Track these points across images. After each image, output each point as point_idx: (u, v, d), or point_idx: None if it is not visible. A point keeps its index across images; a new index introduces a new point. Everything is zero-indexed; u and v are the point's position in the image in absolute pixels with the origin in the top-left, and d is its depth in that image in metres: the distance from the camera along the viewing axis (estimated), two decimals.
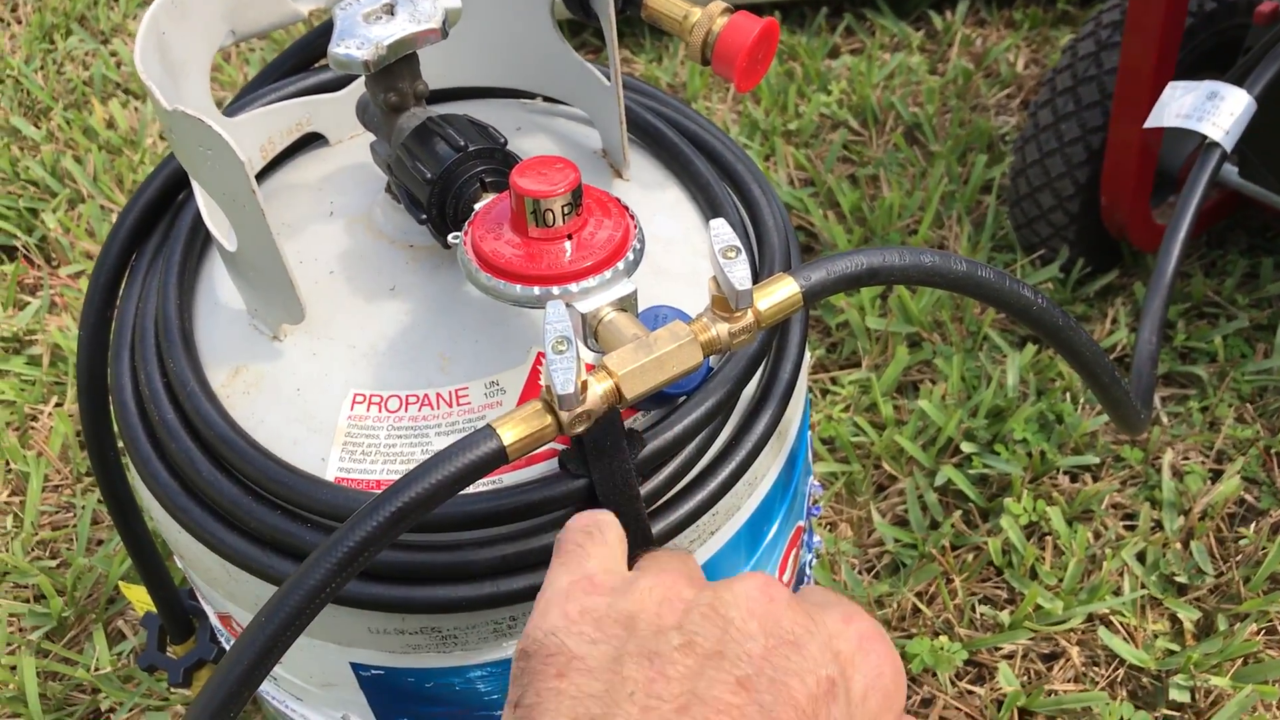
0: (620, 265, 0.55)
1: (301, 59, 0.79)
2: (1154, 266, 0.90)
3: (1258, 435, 1.12)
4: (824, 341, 1.26)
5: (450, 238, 0.60)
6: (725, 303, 0.54)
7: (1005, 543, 1.03)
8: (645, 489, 0.61)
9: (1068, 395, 1.14)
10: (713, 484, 0.64)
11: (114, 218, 1.43)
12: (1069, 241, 1.25)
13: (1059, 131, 1.19)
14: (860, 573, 1.05)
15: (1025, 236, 1.29)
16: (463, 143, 0.62)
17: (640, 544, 0.61)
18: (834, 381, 1.20)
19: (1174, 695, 0.93)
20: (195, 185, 0.65)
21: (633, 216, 0.58)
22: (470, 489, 0.52)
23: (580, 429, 0.52)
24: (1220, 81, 0.93)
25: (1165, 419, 1.14)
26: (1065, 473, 1.09)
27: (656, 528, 0.62)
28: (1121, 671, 0.96)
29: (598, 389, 0.52)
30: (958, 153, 1.43)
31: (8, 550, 1.10)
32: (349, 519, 0.48)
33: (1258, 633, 0.97)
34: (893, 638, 0.99)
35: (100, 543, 1.10)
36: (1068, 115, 1.19)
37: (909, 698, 0.96)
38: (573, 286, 0.55)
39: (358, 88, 0.77)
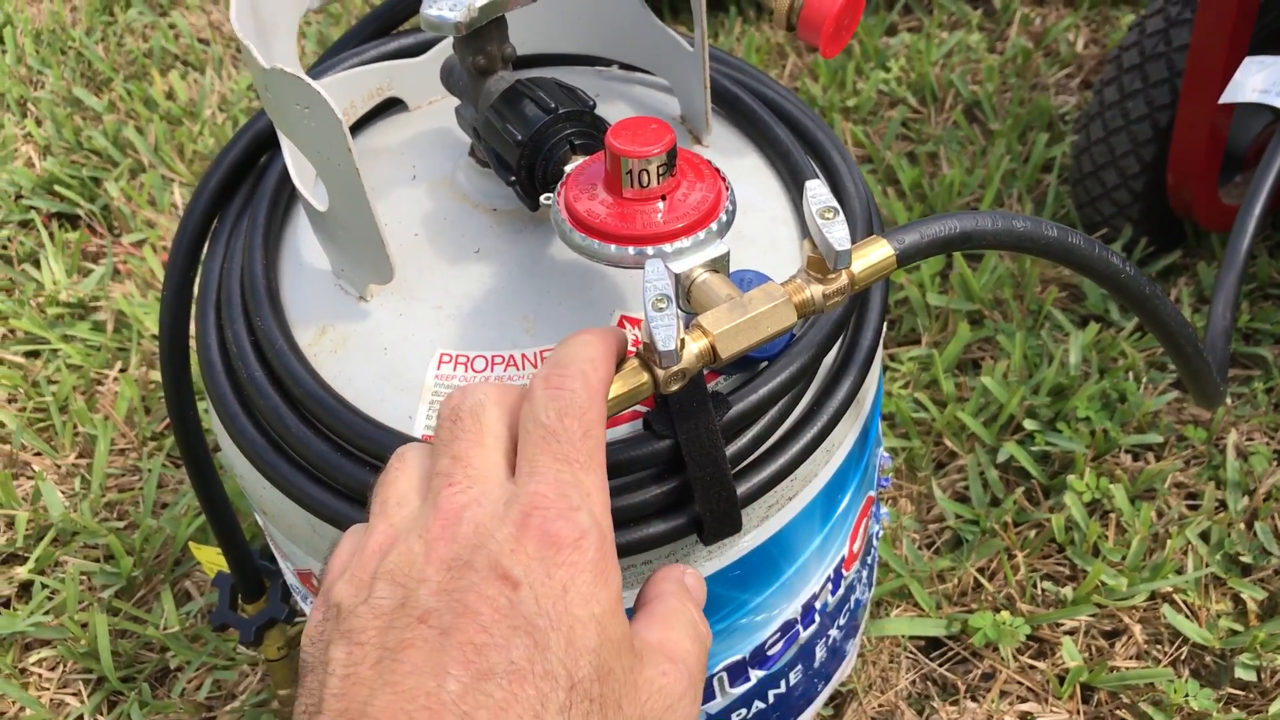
0: (714, 226, 0.56)
1: (382, 24, 0.80)
2: (1228, 241, 0.89)
3: None
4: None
5: (543, 198, 0.60)
6: (821, 264, 0.54)
7: (1068, 519, 1.03)
8: (729, 451, 0.61)
9: (1130, 374, 1.14)
10: (794, 448, 0.64)
11: (175, 187, 1.45)
12: (1132, 220, 1.24)
13: (1124, 109, 1.18)
14: (921, 548, 1.05)
15: (1087, 215, 1.28)
16: (553, 105, 0.62)
17: (725, 505, 0.61)
18: (893, 359, 1.20)
19: (1240, 674, 0.93)
20: (286, 145, 0.66)
21: (724, 179, 0.58)
22: None
23: (675, 387, 0.52)
24: None
25: (1230, 399, 1.13)
26: (1128, 451, 1.09)
27: (739, 490, 0.62)
28: (1185, 650, 0.96)
29: (693, 348, 0.52)
30: (1018, 131, 1.42)
31: (76, 511, 1.11)
32: None
33: None
34: (953, 613, 0.99)
35: (165, 505, 1.12)
36: (1134, 93, 1.18)
37: (969, 672, 0.97)
38: (667, 247, 0.55)
39: (439, 53, 0.78)
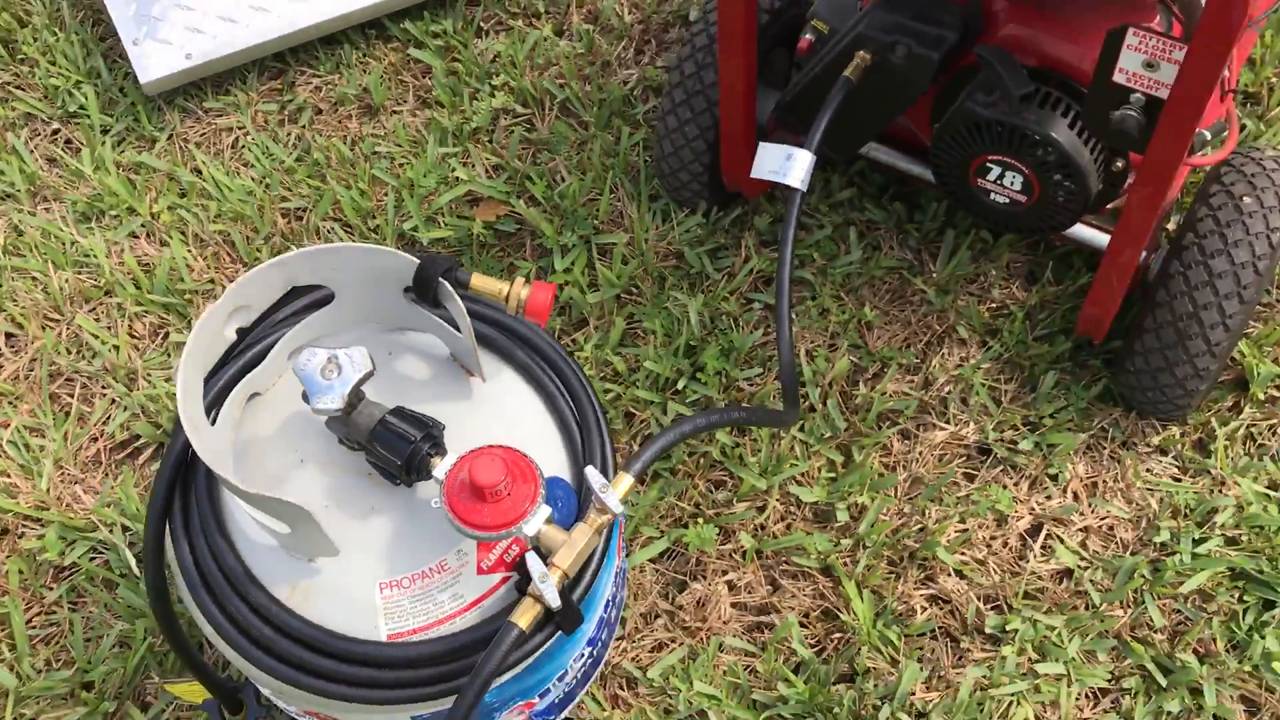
0: (540, 500, 1.00)
1: (225, 358, 1.13)
2: (775, 303, 1.38)
3: (852, 314, 1.69)
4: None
5: (433, 503, 1.02)
6: (604, 506, 1.01)
7: (722, 445, 1.57)
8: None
9: (731, 320, 1.67)
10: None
11: None
12: (704, 198, 1.73)
13: (684, 133, 1.65)
14: (639, 488, 1.57)
15: (674, 195, 1.76)
16: (414, 435, 1.02)
17: (575, 615, 1.09)
18: (575, 343, 1.67)
19: (839, 517, 1.53)
20: (250, 508, 1.02)
21: (534, 464, 1.02)
22: None
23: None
24: (792, 147, 1.41)
25: (795, 316, 1.69)
26: (745, 381, 1.63)
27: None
28: (809, 509, 1.55)
29: (554, 577, 0.98)
30: (604, 121, 1.86)
31: (20, 678, 1.43)
32: (464, 691, 0.94)
33: (877, 458, 1.58)
34: (669, 529, 1.52)
35: (87, 641, 1.45)
36: (688, 120, 1.64)
37: (688, 563, 1.52)
38: (522, 524, 0.99)
39: (279, 351, 1.13)
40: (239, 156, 1.87)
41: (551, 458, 1.14)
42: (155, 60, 1.82)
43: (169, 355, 1.68)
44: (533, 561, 0.97)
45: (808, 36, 1.58)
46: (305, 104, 1.91)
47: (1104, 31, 1.38)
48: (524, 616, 0.97)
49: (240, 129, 1.89)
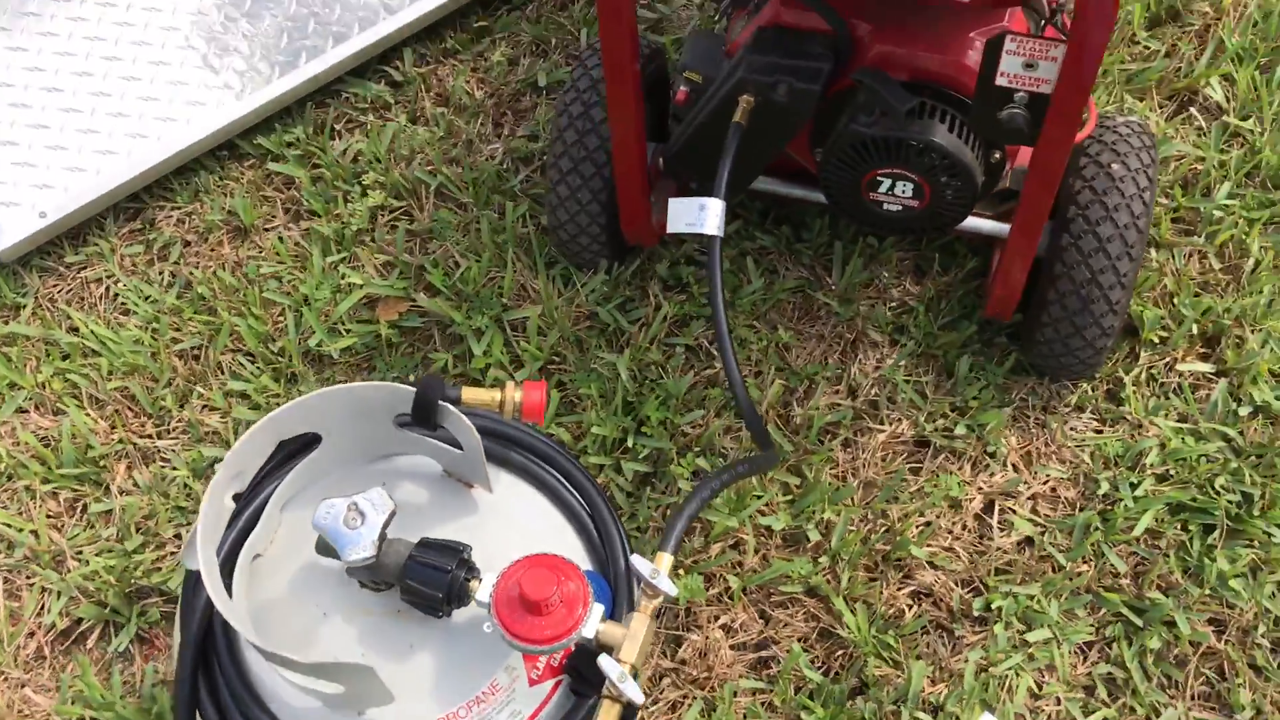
0: (593, 602, 1.00)
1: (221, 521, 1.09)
2: (720, 362, 1.42)
3: (769, 339, 1.74)
4: None
5: (485, 627, 1.01)
6: (654, 589, 1.02)
7: (683, 493, 1.59)
8: None
9: (659, 369, 1.69)
10: None
11: None
12: (605, 257, 1.75)
13: (578, 198, 1.66)
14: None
15: (575, 260, 1.77)
16: (449, 566, 1.01)
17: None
18: None
19: (810, 537, 1.57)
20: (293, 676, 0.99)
21: (574, 565, 1.02)
22: None
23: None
24: (705, 198, 1.45)
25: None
26: (689, 426, 1.66)
27: None
28: (779, 538, 1.59)
29: (626, 669, 0.99)
30: (483, 201, 1.86)
31: None
32: None
33: (827, 472, 1.63)
34: None
35: None
36: (579, 186, 1.65)
37: (677, 616, 1.53)
38: (581, 628, 0.99)
39: (273, 507, 1.09)
40: (117, 306, 1.78)
41: (570, 551, 1.14)
42: (7, 225, 1.73)
43: (94, 528, 1.59)
44: (607, 663, 0.97)
45: (683, 88, 1.62)
46: (172, 239, 1.85)
47: (967, 38, 1.48)
48: (608, 718, 0.97)
49: (110, 277, 1.81)
